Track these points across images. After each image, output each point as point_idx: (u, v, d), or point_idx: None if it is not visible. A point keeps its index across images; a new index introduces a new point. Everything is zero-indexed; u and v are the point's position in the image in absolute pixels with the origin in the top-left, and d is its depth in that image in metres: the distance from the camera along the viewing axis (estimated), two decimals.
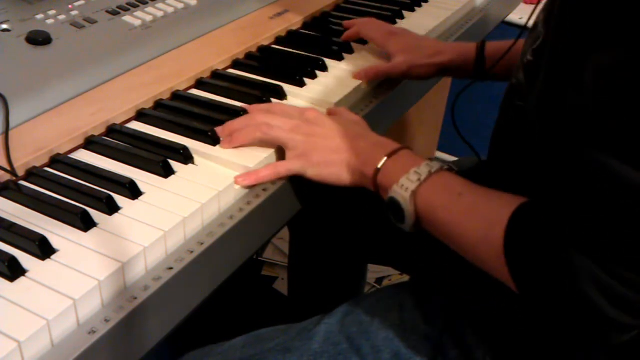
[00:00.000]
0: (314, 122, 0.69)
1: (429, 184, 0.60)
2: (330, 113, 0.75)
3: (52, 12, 0.81)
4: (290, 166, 0.67)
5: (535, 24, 0.63)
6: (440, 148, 1.91)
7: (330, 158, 0.67)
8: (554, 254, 0.49)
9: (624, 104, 0.46)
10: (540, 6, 0.64)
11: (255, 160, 0.66)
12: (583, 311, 0.49)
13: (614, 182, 0.46)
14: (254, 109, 0.73)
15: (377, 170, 0.64)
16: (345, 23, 0.96)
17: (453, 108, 0.84)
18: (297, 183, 0.68)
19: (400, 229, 0.63)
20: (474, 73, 0.89)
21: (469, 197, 0.59)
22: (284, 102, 0.78)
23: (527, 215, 0.53)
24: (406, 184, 0.61)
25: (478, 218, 0.57)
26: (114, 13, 0.85)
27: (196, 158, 0.67)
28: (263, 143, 0.68)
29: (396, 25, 1.01)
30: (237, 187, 0.64)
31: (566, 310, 0.51)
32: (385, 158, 0.64)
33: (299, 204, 0.71)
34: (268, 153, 0.68)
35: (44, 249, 0.53)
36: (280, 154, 0.69)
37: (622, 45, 0.46)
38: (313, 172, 0.67)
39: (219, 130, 0.69)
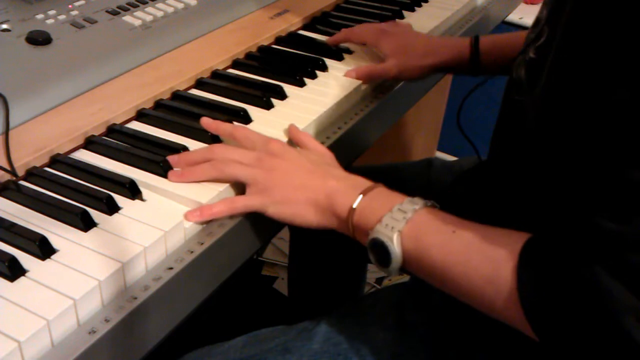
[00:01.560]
0: (277, 154, 0.63)
1: (416, 221, 0.56)
2: (294, 137, 0.70)
3: (52, 12, 0.81)
4: (249, 202, 0.61)
5: (538, 20, 0.63)
6: (440, 148, 1.91)
7: (293, 196, 0.61)
8: (583, 287, 0.46)
9: None
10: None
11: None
12: (620, 347, 0.45)
13: None
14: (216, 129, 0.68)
15: (353, 210, 0.59)
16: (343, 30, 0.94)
17: (459, 109, 0.84)
18: None
19: None
20: (470, 69, 0.87)
21: (464, 233, 0.54)
22: (284, 102, 0.78)
23: (540, 248, 0.50)
24: (391, 223, 0.56)
25: (480, 257, 0.52)
26: (114, 13, 0.85)
27: None
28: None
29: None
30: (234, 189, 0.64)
31: (599, 348, 0.47)
32: (361, 196, 0.59)
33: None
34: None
35: (44, 249, 0.53)
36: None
37: None
38: (274, 210, 0.61)
39: (173, 160, 0.64)
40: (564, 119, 0.53)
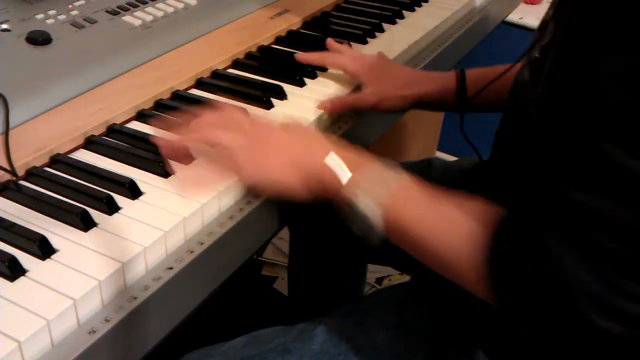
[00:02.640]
0: (265, 134, 0.63)
1: (397, 194, 0.58)
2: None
3: (52, 12, 0.81)
4: (246, 181, 0.63)
5: (544, 20, 0.63)
6: (440, 148, 1.91)
7: (284, 175, 0.62)
8: (543, 260, 0.48)
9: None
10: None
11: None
12: (570, 320, 0.47)
13: (618, 172, 0.45)
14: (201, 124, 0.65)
15: (340, 185, 0.60)
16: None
17: (462, 118, 0.83)
18: None
19: None
20: (456, 103, 0.85)
21: (439, 207, 0.57)
22: (284, 102, 0.78)
23: (509, 222, 0.52)
24: (374, 194, 0.58)
25: (454, 231, 0.55)
26: (114, 13, 0.85)
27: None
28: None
29: (395, 27, 1.01)
30: (237, 187, 0.64)
31: (552, 321, 0.49)
32: (348, 171, 0.60)
33: (299, 204, 0.70)
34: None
35: (44, 249, 0.53)
36: None
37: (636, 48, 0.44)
38: (268, 188, 0.62)
39: (160, 142, 0.64)
40: (563, 113, 0.53)
